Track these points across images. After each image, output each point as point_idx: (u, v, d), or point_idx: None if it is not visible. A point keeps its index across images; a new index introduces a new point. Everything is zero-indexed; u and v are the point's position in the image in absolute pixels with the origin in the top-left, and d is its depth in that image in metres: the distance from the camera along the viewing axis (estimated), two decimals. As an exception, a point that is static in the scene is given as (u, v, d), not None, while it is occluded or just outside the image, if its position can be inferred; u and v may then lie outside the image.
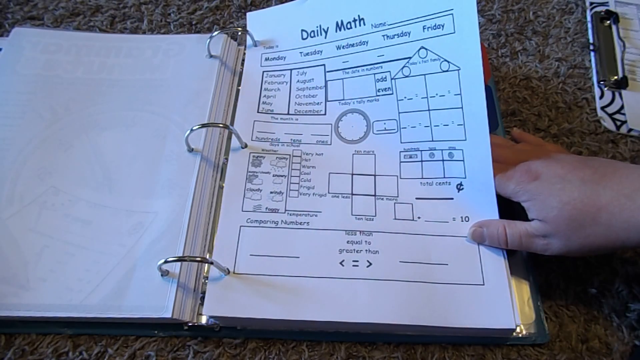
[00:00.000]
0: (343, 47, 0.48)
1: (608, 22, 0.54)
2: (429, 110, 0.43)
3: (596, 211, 0.34)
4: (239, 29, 0.52)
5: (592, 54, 0.53)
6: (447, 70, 0.42)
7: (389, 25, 0.45)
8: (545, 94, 0.51)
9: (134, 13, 0.55)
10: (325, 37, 0.49)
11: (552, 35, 0.55)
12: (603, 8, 0.55)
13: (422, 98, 0.43)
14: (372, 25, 0.46)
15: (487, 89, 0.49)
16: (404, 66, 0.44)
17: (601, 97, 0.50)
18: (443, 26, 0.42)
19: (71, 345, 0.37)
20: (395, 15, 0.45)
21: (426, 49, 0.43)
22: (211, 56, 0.49)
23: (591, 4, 0.56)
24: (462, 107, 0.41)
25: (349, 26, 0.48)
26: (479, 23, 0.55)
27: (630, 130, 0.48)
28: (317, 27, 0.49)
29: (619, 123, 0.49)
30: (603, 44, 0.53)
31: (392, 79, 0.45)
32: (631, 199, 0.33)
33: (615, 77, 0.51)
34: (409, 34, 0.44)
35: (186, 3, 0.56)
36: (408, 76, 0.44)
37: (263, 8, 0.56)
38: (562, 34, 0.55)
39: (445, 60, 0.42)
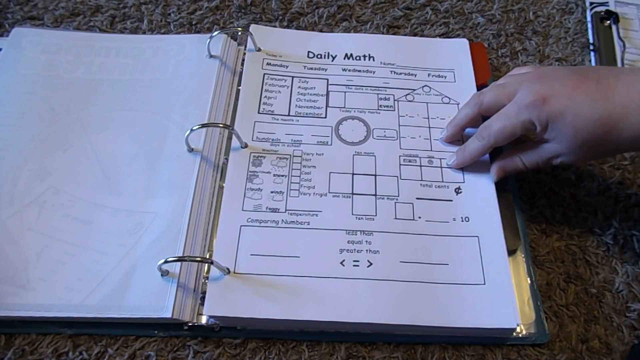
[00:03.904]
0: (349, 71, 0.49)
1: (608, 22, 0.54)
2: (429, 127, 0.46)
3: (608, 131, 0.35)
4: (239, 29, 0.52)
5: (592, 54, 0.53)
6: (447, 103, 0.47)
7: (397, 66, 0.50)
8: (545, 94, 0.51)
9: (134, 13, 0.55)
10: (332, 61, 0.50)
11: (552, 35, 0.55)
12: (603, 8, 0.55)
13: (424, 118, 0.46)
14: (381, 62, 0.50)
15: (487, 89, 0.49)
16: (407, 94, 0.48)
17: (601, 97, 0.50)
18: (446, 77, 0.49)
19: (71, 345, 0.37)
20: (404, 62, 0.50)
21: (430, 87, 0.48)
22: (211, 56, 0.49)
23: (591, 4, 0.56)
24: None
25: (357, 58, 0.50)
26: (479, 23, 0.55)
27: (630, 130, 0.48)
28: (325, 52, 0.51)
29: (619, 123, 0.49)
30: (603, 44, 0.53)
31: (395, 100, 0.47)
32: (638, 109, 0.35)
33: (615, 77, 0.51)
34: (415, 75, 0.49)
35: (186, 3, 0.56)
36: (411, 101, 0.47)
37: (263, 8, 0.56)
38: (562, 34, 0.55)
39: (446, 97, 0.48)
